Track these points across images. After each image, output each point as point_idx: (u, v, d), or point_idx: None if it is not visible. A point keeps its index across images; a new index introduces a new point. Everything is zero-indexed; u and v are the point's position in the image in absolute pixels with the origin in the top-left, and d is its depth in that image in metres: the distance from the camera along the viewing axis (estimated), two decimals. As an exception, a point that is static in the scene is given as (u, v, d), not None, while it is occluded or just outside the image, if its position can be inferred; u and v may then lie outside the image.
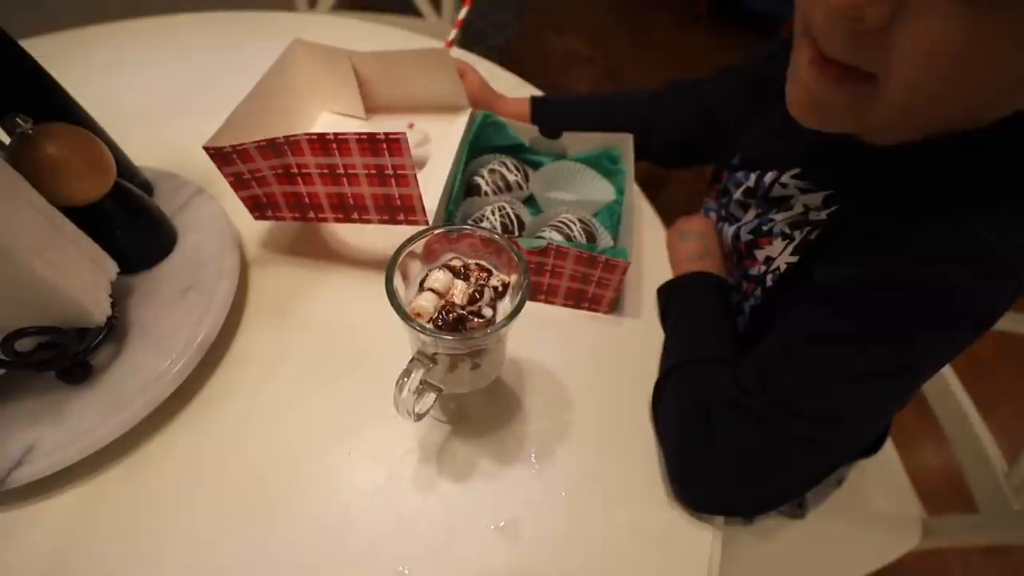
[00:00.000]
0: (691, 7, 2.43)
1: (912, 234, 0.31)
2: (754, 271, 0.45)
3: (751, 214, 0.48)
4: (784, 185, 0.42)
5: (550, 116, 0.59)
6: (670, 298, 0.48)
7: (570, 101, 0.63)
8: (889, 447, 0.73)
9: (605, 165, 0.53)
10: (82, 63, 0.71)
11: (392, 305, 0.28)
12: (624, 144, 0.52)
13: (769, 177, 0.44)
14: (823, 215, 0.39)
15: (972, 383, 0.66)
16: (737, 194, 0.49)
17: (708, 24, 2.38)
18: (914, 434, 0.77)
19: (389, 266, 0.29)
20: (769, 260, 0.43)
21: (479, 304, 0.31)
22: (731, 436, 0.36)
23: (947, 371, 0.67)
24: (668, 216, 0.59)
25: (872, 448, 0.60)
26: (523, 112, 0.59)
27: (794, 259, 0.40)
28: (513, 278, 0.32)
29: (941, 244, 0.30)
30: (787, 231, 0.42)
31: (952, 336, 0.32)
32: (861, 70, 0.27)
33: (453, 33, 0.53)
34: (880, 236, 0.33)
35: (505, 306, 0.32)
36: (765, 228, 0.44)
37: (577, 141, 0.53)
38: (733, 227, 0.49)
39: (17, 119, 0.34)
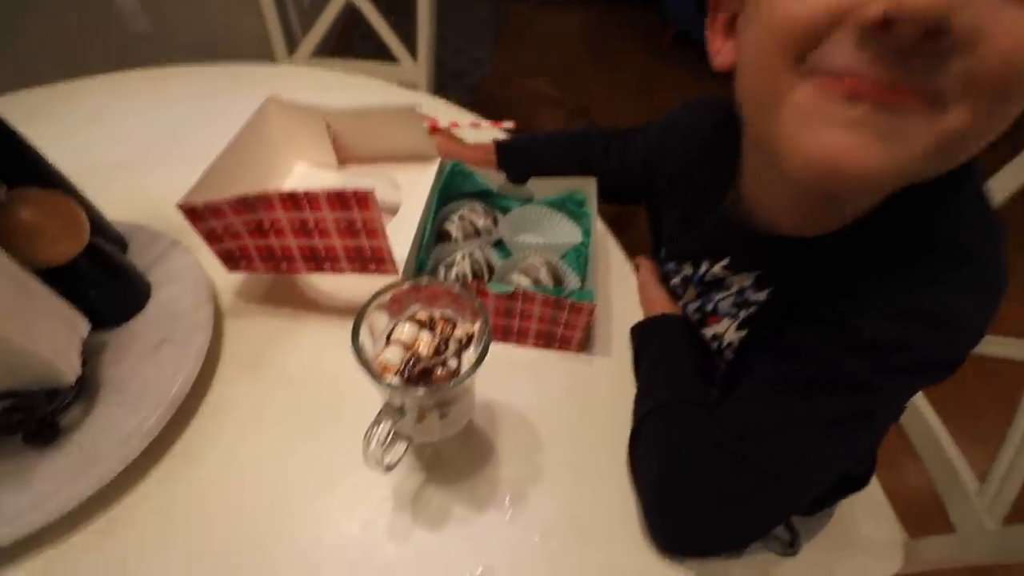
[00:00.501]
0: (656, 43, 2.55)
1: (856, 302, 0.33)
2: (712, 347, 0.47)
3: (691, 294, 0.50)
4: (712, 273, 0.45)
5: (514, 159, 0.61)
6: (642, 340, 0.49)
7: (530, 143, 0.65)
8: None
9: (571, 208, 0.55)
10: (62, 116, 0.72)
11: (358, 361, 0.29)
12: (588, 187, 0.54)
13: (703, 267, 0.46)
14: (762, 296, 0.41)
15: (947, 403, 0.68)
16: (676, 280, 0.52)
17: (673, 59, 2.49)
18: (895, 456, 0.78)
19: (355, 323, 0.31)
20: (717, 337, 0.45)
21: (444, 355, 0.32)
22: (714, 476, 0.36)
23: (918, 395, 0.70)
24: (637, 251, 0.61)
25: (861, 482, 0.61)
26: (488, 156, 0.62)
27: (742, 333, 0.42)
28: (477, 327, 0.33)
29: (888, 309, 0.32)
30: (731, 310, 0.44)
31: (915, 382, 0.34)
32: (926, 92, 0.23)
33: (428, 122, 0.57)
34: (825, 309, 0.34)
35: (470, 356, 0.33)
36: (709, 308, 0.46)
37: (543, 185, 0.55)
38: (680, 303, 0.51)
39: (-10, 187, 0.35)
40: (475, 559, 0.38)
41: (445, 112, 0.75)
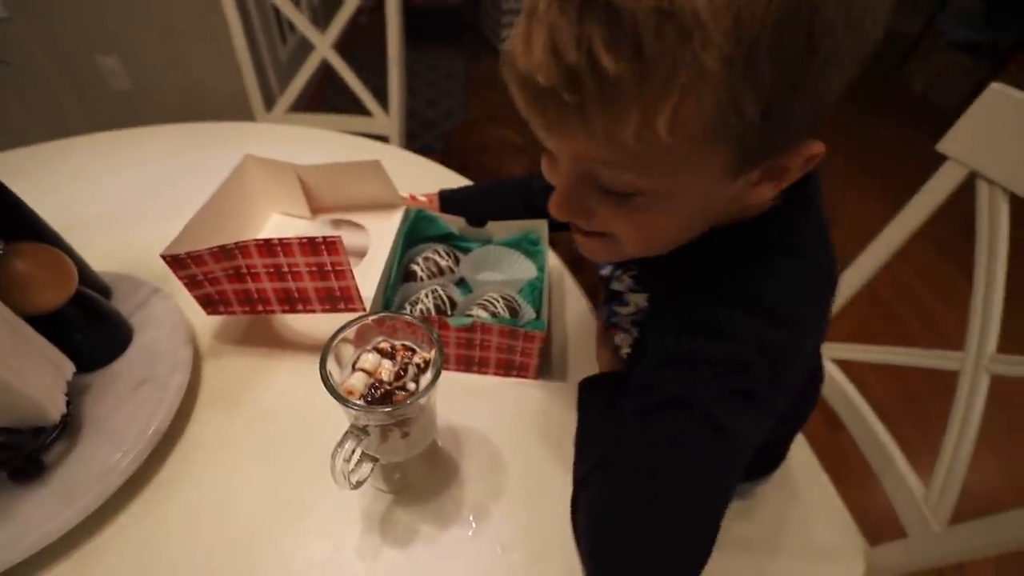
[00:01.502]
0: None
1: (709, 307, 0.37)
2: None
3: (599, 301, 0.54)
4: (621, 281, 0.50)
5: (455, 208, 0.65)
6: (582, 396, 0.50)
7: (469, 192, 0.70)
8: (827, 481, 0.79)
9: (526, 247, 0.60)
10: (46, 174, 0.76)
11: (325, 386, 0.33)
12: (541, 228, 0.60)
13: (616, 273, 0.51)
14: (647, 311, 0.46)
15: (907, 412, 0.72)
16: (604, 271, 0.55)
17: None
18: (854, 470, 0.82)
19: (323, 353, 0.35)
20: (618, 348, 0.50)
21: (404, 379, 0.36)
22: (632, 522, 0.34)
23: (864, 406, 0.75)
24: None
25: (769, 468, 0.64)
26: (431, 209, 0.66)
27: (629, 350, 0.47)
28: (433, 354, 0.38)
29: (737, 307, 0.35)
30: (627, 327, 0.48)
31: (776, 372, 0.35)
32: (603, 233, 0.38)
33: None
34: (684, 313, 0.38)
35: (427, 379, 0.37)
36: (612, 320, 0.51)
37: (501, 228, 0.61)
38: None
39: (-10, 243, 0.39)
40: (441, 573, 0.40)
41: (411, 161, 0.81)
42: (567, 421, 0.51)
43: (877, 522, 0.81)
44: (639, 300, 0.47)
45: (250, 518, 0.43)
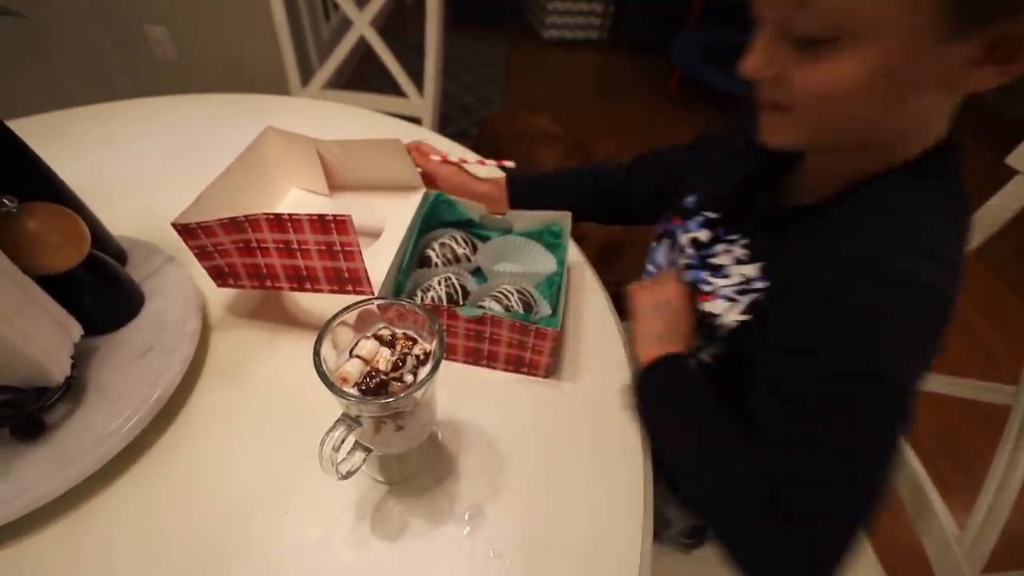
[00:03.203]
0: (662, 86, 2.63)
1: (856, 272, 0.36)
2: (703, 321, 0.48)
3: (683, 261, 0.52)
4: (728, 253, 0.48)
5: (524, 191, 0.65)
6: (658, 388, 0.47)
7: (542, 177, 0.70)
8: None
9: (547, 239, 0.58)
10: (78, 136, 0.78)
11: (316, 370, 0.31)
12: (564, 220, 0.57)
13: (718, 249, 0.49)
14: (766, 284, 0.43)
15: (943, 444, 0.67)
16: (684, 239, 0.54)
17: (678, 102, 2.57)
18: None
19: (318, 336, 0.33)
20: (709, 315, 0.47)
21: (401, 371, 0.34)
22: (807, 513, 0.34)
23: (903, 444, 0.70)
24: (627, 278, 0.63)
25: None
26: (492, 190, 0.66)
27: (746, 318, 0.44)
28: (434, 345, 0.36)
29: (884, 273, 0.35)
30: (732, 296, 0.45)
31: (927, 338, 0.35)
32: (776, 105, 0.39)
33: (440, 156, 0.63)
34: (826, 282, 0.38)
35: (426, 372, 0.35)
36: (704, 288, 0.48)
37: (522, 218, 0.58)
38: (679, 258, 0.53)
39: (5, 199, 0.39)
40: (430, 571, 0.39)
41: (437, 143, 0.79)
42: (576, 424, 0.48)
43: (901, 557, 0.77)
44: (748, 271, 0.45)
45: (245, 494, 0.42)
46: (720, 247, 0.49)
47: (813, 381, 0.35)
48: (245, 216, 0.43)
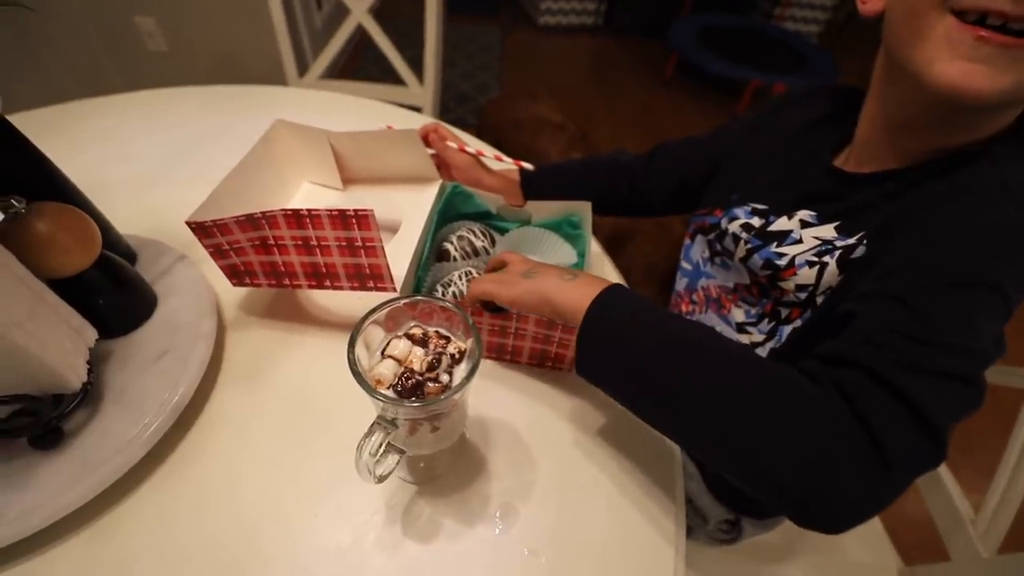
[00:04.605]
0: (659, 71, 2.61)
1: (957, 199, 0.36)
2: (789, 299, 0.46)
3: (742, 249, 0.51)
4: (791, 218, 0.47)
5: (538, 184, 0.65)
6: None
7: (556, 169, 0.69)
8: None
9: (567, 230, 0.57)
10: (75, 133, 0.75)
11: (354, 375, 0.30)
12: (584, 210, 0.56)
13: (772, 219, 0.49)
14: (851, 240, 0.42)
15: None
16: (733, 227, 0.52)
17: (675, 87, 2.55)
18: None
19: (351, 337, 0.32)
20: (804, 288, 0.45)
21: (437, 371, 0.33)
22: (924, 401, 0.30)
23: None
24: (635, 266, 0.63)
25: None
26: (506, 184, 0.64)
27: (840, 278, 0.43)
28: (469, 344, 0.35)
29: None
30: (813, 259, 0.44)
31: None
32: None
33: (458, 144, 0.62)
34: (933, 215, 0.37)
35: (462, 371, 0.34)
36: (779, 262, 0.46)
37: (540, 208, 0.57)
38: (744, 261, 0.51)
39: (12, 200, 0.37)
40: (464, 573, 0.38)
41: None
42: (604, 416, 0.48)
43: (913, 537, 0.77)
44: (822, 232, 0.45)
45: (267, 499, 0.41)
46: (779, 219, 0.49)
47: (932, 288, 0.33)
48: (262, 213, 0.42)
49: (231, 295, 0.54)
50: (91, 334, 0.42)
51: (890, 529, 0.75)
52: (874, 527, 0.76)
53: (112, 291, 0.44)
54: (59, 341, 0.39)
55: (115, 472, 0.39)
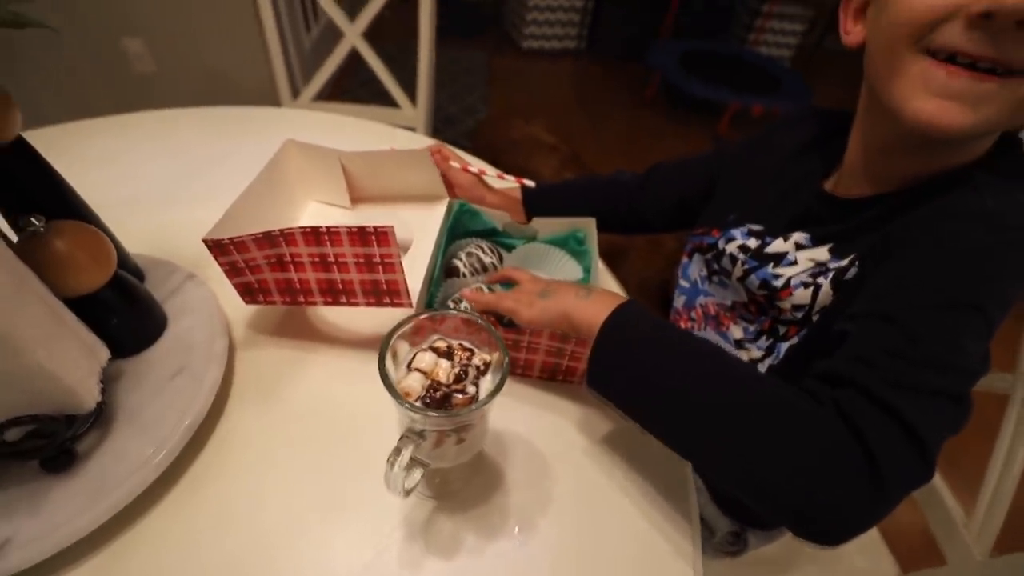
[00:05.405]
0: (640, 93, 2.69)
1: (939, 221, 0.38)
2: (786, 317, 0.48)
3: (739, 270, 0.52)
4: (787, 240, 0.49)
5: (539, 202, 0.66)
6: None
7: (557, 187, 0.71)
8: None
9: (572, 246, 0.58)
10: (78, 154, 0.74)
11: (386, 387, 0.31)
12: (588, 226, 0.58)
13: (768, 240, 0.50)
14: (843, 262, 0.44)
15: None
16: (731, 248, 0.54)
17: (657, 109, 2.63)
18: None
19: (381, 350, 0.32)
20: (800, 307, 0.46)
21: (464, 382, 0.34)
22: (917, 420, 0.32)
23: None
24: (629, 282, 0.64)
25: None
26: (508, 202, 0.66)
27: (834, 298, 0.44)
28: (494, 356, 0.35)
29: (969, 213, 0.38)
30: (807, 280, 0.46)
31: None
32: (1012, 68, 0.33)
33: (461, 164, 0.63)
34: (920, 236, 0.39)
35: (487, 383, 0.35)
36: (776, 283, 0.48)
37: (546, 225, 0.59)
38: (741, 280, 0.52)
39: (32, 219, 0.37)
40: (487, 588, 0.38)
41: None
42: (614, 427, 0.48)
43: (909, 545, 0.79)
44: (816, 255, 0.47)
45: (285, 519, 0.41)
46: (775, 240, 0.50)
47: (922, 309, 0.35)
48: (280, 230, 0.42)
49: (240, 314, 0.53)
50: (104, 353, 0.41)
51: (888, 537, 0.77)
52: (872, 536, 0.78)
53: (125, 310, 0.44)
54: (74, 360, 0.38)
55: (129, 494, 0.38)
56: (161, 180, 0.71)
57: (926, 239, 0.38)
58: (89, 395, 0.39)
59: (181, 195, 0.68)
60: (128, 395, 0.43)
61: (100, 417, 0.40)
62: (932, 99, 0.36)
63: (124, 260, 0.50)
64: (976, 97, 0.35)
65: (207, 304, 0.50)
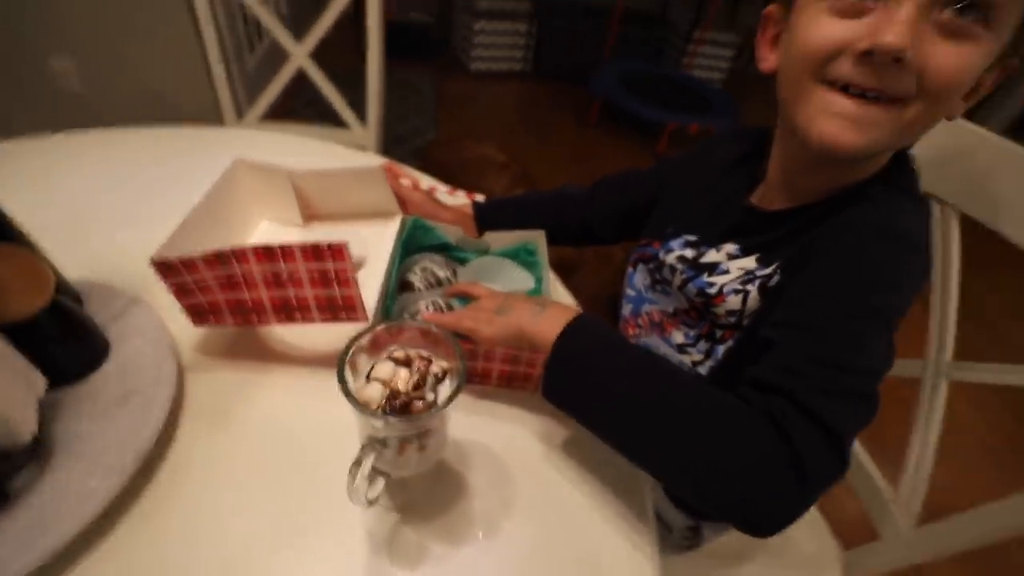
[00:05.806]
0: (585, 115, 2.80)
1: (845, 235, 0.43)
2: (722, 322, 0.52)
3: (678, 279, 0.56)
4: (719, 251, 0.53)
5: (490, 217, 0.68)
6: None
7: (507, 202, 0.73)
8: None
9: (524, 257, 0.60)
10: (9, 174, 0.71)
11: (346, 396, 0.31)
12: (539, 239, 0.60)
13: (703, 250, 0.54)
14: (767, 270, 0.48)
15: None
16: (670, 259, 0.57)
17: (602, 130, 2.74)
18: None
19: (340, 361, 0.33)
20: (733, 312, 0.50)
21: (423, 389, 0.35)
22: (835, 422, 0.36)
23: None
24: (580, 294, 0.67)
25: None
26: (460, 217, 0.67)
27: (761, 303, 0.48)
28: (451, 363, 0.36)
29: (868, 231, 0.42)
30: (738, 287, 0.49)
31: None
32: (894, 96, 0.39)
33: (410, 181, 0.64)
34: (827, 247, 0.43)
35: (446, 389, 0.36)
36: (710, 291, 0.52)
37: (498, 238, 0.61)
38: (681, 288, 0.56)
39: (-41, 244, 0.35)
40: (454, 594, 0.39)
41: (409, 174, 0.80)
42: (571, 433, 0.50)
43: (851, 527, 0.84)
44: (745, 264, 0.50)
45: (246, 545, 0.40)
46: (709, 251, 0.54)
47: (832, 317, 0.40)
48: (231, 248, 0.42)
49: (187, 336, 0.52)
50: (41, 383, 0.40)
51: (831, 520, 0.82)
52: (817, 521, 0.82)
53: (64, 336, 0.42)
54: (7, 390, 0.36)
55: (74, 528, 0.36)
56: (103, 202, 0.68)
57: (834, 249, 0.43)
58: (26, 427, 0.37)
59: (124, 217, 0.65)
60: (69, 425, 0.41)
61: (37, 450, 0.38)
62: (831, 122, 0.41)
63: (62, 285, 0.48)
64: (867, 121, 0.40)
65: (153, 327, 0.48)
